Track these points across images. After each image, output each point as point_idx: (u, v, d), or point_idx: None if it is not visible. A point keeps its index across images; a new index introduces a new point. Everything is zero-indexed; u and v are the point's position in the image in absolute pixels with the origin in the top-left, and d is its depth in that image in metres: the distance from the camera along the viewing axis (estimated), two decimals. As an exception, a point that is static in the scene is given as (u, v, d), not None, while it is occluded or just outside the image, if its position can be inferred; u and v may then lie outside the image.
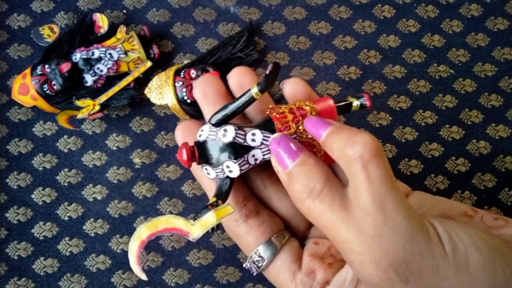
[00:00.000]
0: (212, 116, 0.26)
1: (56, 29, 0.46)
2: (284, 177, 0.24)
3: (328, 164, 0.26)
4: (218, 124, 0.26)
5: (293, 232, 0.30)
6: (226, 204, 0.24)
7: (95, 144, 0.46)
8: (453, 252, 0.21)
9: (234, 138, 0.25)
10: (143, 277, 0.23)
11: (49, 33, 0.45)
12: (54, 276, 0.44)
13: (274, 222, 0.29)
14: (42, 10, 0.48)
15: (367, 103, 0.28)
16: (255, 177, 0.30)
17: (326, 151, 0.24)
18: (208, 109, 0.28)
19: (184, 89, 0.42)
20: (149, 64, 0.45)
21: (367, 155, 0.21)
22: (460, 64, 0.48)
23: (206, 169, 0.27)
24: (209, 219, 0.23)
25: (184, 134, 0.29)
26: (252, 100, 0.26)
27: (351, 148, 0.22)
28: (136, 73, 0.45)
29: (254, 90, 0.25)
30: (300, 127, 0.26)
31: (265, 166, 0.29)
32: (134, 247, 0.22)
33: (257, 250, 0.27)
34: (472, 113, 0.47)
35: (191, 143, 0.27)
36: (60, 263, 0.44)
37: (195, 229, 0.23)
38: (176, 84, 0.42)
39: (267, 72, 0.25)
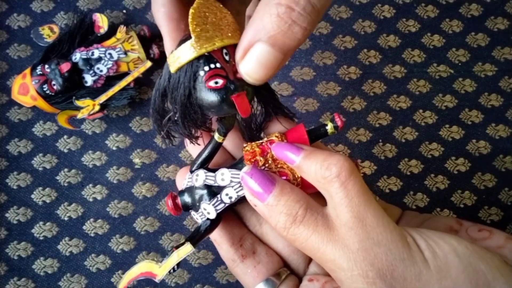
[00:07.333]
0: (191, 165, 0.28)
1: (56, 29, 0.46)
2: (263, 209, 0.24)
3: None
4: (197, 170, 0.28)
5: (293, 270, 0.30)
6: (186, 244, 0.26)
7: (95, 144, 0.46)
8: (433, 258, 0.22)
9: (204, 180, 0.27)
10: None
11: (49, 33, 0.45)
12: (54, 276, 0.44)
13: (271, 261, 0.29)
14: (42, 10, 0.48)
15: (338, 123, 0.26)
16: (250, 215, 0.30)
17: (302, 175, 0.25)
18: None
19: None
20: (149, 64, 0.45)
21: (343, 174, 0.22)
22: (460, 64, 0.48)
23: (193, 215, 0.28)
24: (171, 259, 0.26)
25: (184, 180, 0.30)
26: (218, 144, 0.27)
27: (327, 170, 0.23)
28: (136, 73, 0.45)
29: (216, 136, 0.27)
30: (269, 160, 0.26)
31: None
32: None
33: None
34: (472, 113, 0.47)
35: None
36: (60, 263, 0.44)
37: (161, 270, 0.25)
38: None
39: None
